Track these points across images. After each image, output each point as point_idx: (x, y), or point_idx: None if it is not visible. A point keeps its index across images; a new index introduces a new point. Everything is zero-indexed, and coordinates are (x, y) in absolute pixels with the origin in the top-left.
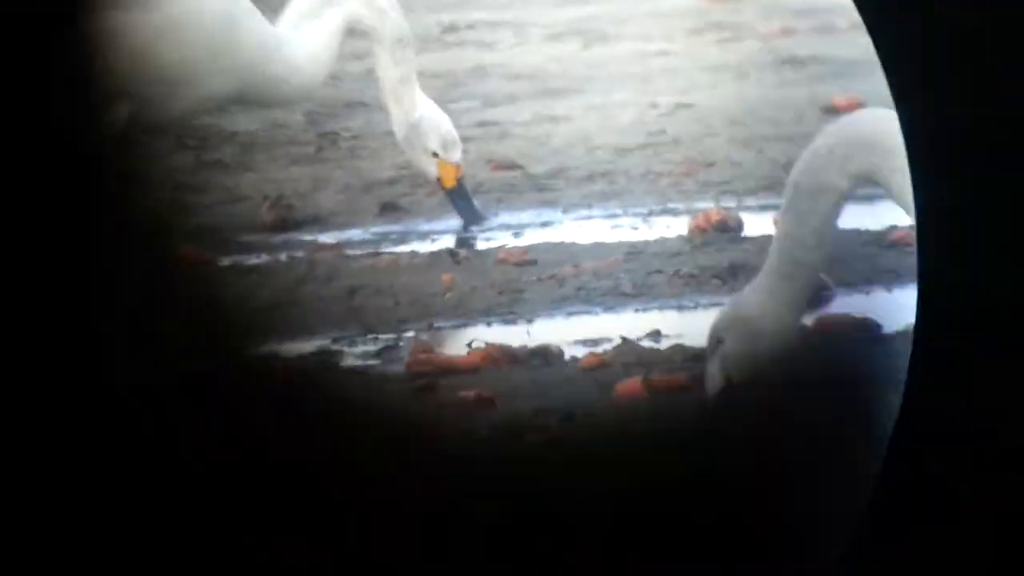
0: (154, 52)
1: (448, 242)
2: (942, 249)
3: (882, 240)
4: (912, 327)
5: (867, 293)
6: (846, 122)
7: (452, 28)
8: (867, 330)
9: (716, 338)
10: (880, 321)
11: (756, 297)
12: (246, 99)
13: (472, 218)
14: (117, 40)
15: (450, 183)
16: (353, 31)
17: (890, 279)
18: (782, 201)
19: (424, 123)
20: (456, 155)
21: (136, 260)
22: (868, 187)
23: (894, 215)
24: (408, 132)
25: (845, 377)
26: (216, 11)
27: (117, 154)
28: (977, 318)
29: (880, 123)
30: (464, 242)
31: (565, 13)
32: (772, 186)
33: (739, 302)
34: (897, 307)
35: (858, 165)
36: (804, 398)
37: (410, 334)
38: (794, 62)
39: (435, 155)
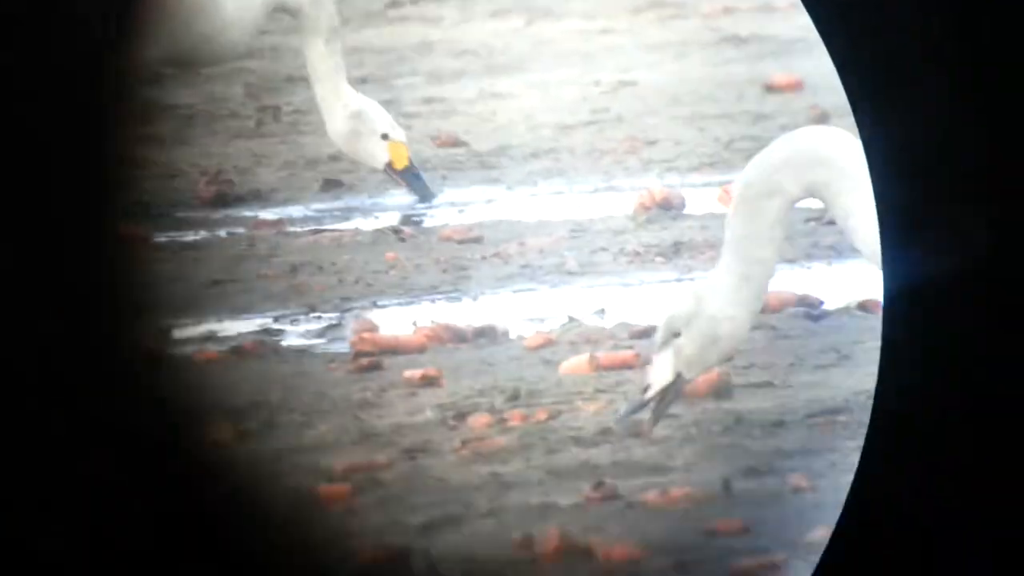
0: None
1: (391, 219)
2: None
3: (822, 217)
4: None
5: (808, 268)
6: (807, 134)
7: (396, 3)
8: (811, 306)
9: (672, 331)
10: (822, 297)
11: (717, 298)
12: (177, 61)
13: (427, 194)
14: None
15: (404, 162)
16: (286, 11)
17: (830, 255)
18: (731, 201)
19: (366, 107)
20: (402, 134)
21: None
22: (813, 200)
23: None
24: (352, 123)
25: (792, 353)
26: None
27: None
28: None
29: (838, 144)
30: (410, 219)
31: None
32: (714, 163)
33: (699, 297)
34: (838, 283)
35: (812, 178)
36: (754, 376)
37: (354, 312)
38: (735, 40)
39: (384, 137)
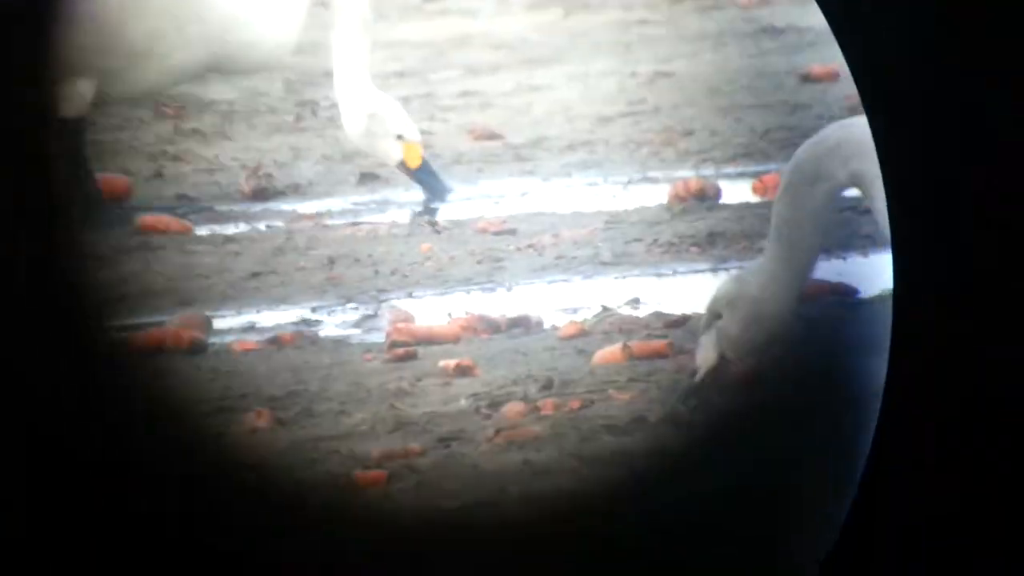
0: (121, 26)
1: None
2: (915, 221)
3: (858, 206)
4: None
5: (844, 259)
6: (856, 123)
7: None
8: (846, 295)
9: (715, 312)
10: (858, 286)
11: (759, 279)
12: (218, 68)
13: (441, 192)
14: (82, 15)
15: (417, 162)
16: (320, 2)
17: (866, 244)
18: (779, 185)
19: (385, 108)
20: (417, 134)
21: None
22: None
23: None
24: (368, 122)
25: (827, 342)
26: None
27: (90, 126)
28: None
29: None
30: (430, 212)
31: None
32: (750, 154)
33: (742, 280)
34: (874, 272)
35: (857, 166)
36: (788, 366)
37: (389, 303)
38: (772, 31)
39: (400, 138)
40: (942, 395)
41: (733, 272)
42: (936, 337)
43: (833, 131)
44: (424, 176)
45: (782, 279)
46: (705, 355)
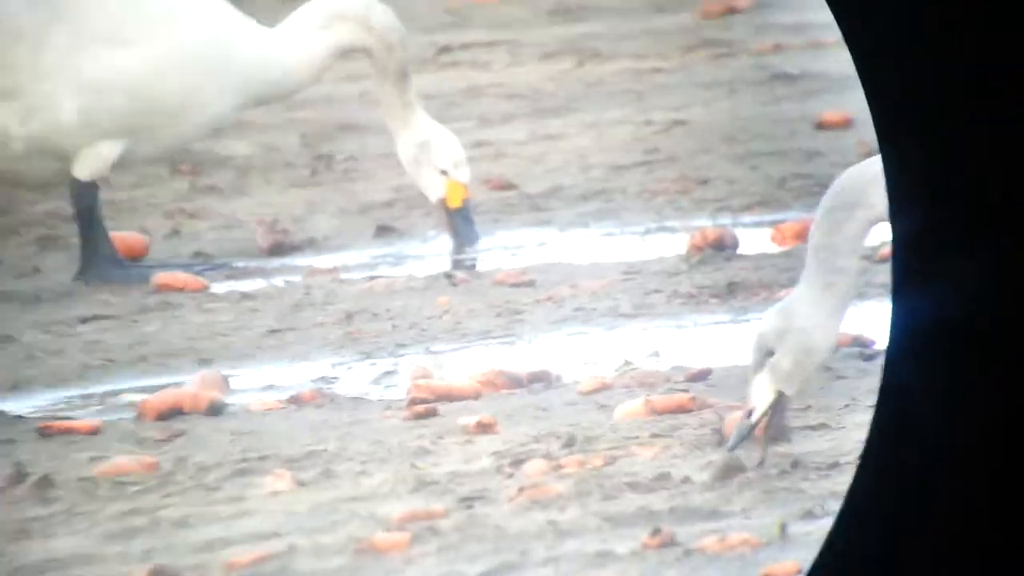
0: (155, 87)
1: (444, 264)
2: (917, 265)
3: (873, 256)
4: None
5: (858, 307)
6: None
7: (447, 49)
8: (863, 346)
9: (766, 350)
10: (873, 337)
11: (804, 309)
12: (246, 105)
13: (472, 239)
14: (110, 79)
15: (456, 203)
16: (352, 54)
17: (882, 293)
18: (818, 212)
19: (435, 141)
20: (465, 175)
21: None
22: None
23: (884, 231)
24: (416, 151)
25: (845, 395)
26: (211, 37)
27: (105, 185)
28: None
29: None
30: (462, 264)
31: (559, 31)
32: (767, 202)
33: (787, 312)
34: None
35: None
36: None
37: (408, 358)
38: (785, 78)
39: (443, 173)
40: (925, 448)
41: (774, 307)
42: (926, 390)
43: (876, 162)
44: (460, 219)
45: (826, 305)
46: (761, 394)
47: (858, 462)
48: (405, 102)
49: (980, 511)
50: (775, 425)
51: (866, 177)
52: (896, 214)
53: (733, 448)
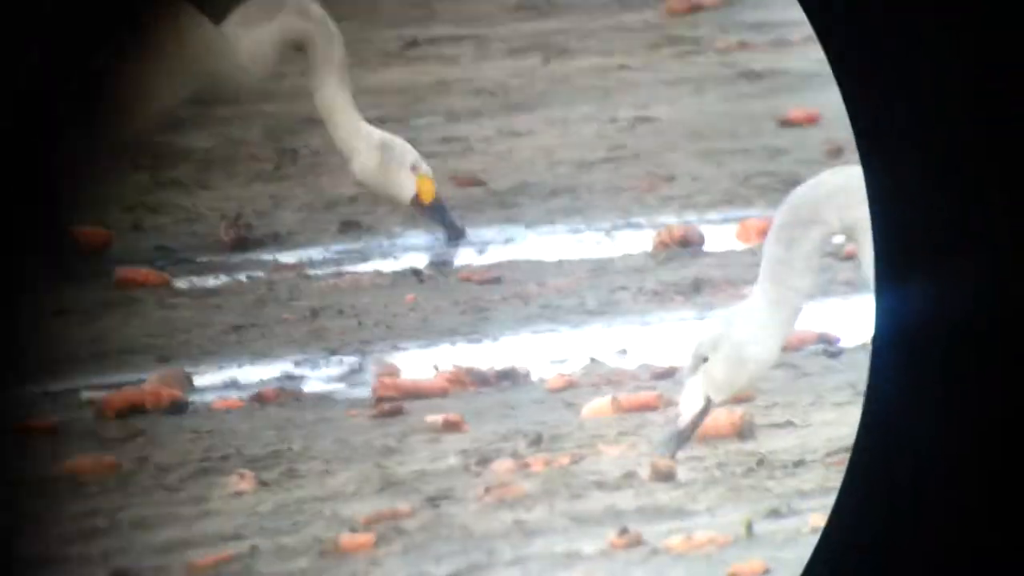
0: (106, 76)
1: (411, 260)
2: (897, 261)
3: (838, 252)
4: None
5: (823, 304)
6: (851, 171)
7: (413, 43)
8: (829, 343)
9: (701, 356)
10: (838, 334)
11: (746, 320)
12: (198, 99)
13: (456, 231)
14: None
15: (431, 196)
16: (298, 48)
17: (846, 291)
18: (772, 226)
19: (392, 140)
20: (428, 168)
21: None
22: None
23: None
24: (380, 154)
25: (810, 392)
26: (159, 28)
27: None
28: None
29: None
30: (443, 261)
31: (526, 27)
32: (732, 199)
33: (728, 321)
34: (854, 319)
35: (851, 214)
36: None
37: (374, 355)
38: (751, 75)
39: (414, 169)
40: (913, 448)
41: (718, 313)
42: (912, 388)
43: (829, 177)
44: (439, 212)
45: (769, 322)
46: (690, 399)
47: (847, 462)
48: (347, 103)
49: (971, 510)
50: (692, 429)
51: (820, 193)
52: (875, 213)
53: (666, 453)
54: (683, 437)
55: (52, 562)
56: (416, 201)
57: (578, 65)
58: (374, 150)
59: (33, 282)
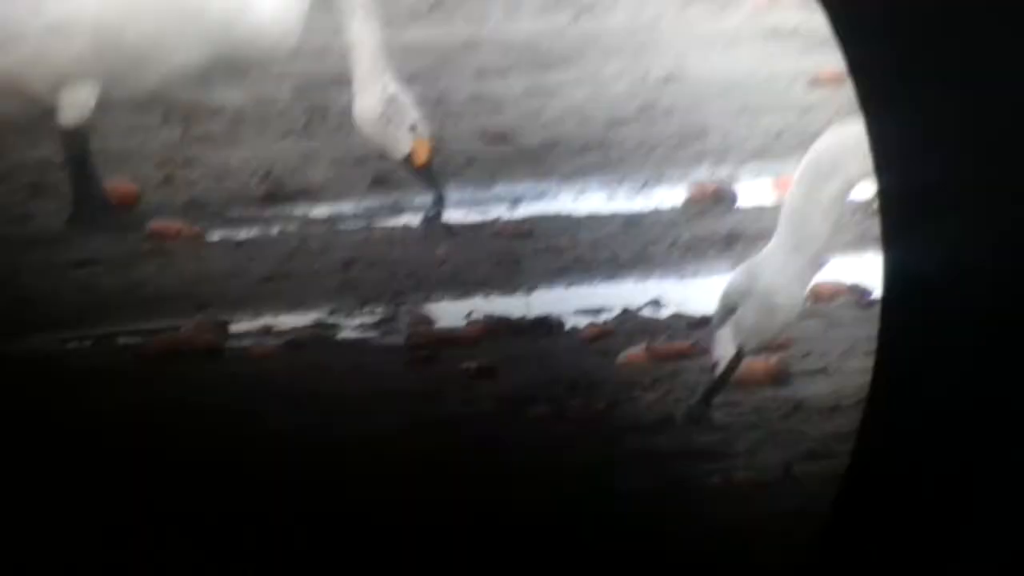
0: (120, 29)
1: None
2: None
3: (869, 207)
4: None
5: (855, 258)
6: None
7: (441, 2)
8: (859, 296)
9: (728, 306)
10: (871, 287)
11: (769, 269)
12: (219, 65)
13: (439, 199)
14: (80, 21)
15: (422, 160)
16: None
17: (878, 246)
18: (795, 175)
19: (401, 96)
20: (427, 131)
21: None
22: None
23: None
24: (384, 107)
25: (843, 342)
26: None
27: (95, 133)
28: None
29: None
30: (435, 218)
31: None
32: (763, 154)
33: (752, 272)
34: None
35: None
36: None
37: (407, 307)
38: (781, 33)
39: (412, 129)
40: (929, 399)
41: (743, 265)
42: (924, 340)
43: (852, 128)
44: (430, 175)
45: (792, 268)
46: (722, 349)
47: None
48: (380, 50)
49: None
50: (724, 380)
51: (842, 144)
52: (881, 171)
53: (701, 401)
54: (717, 386)
55: None
56: (407, 160)
57: (608, 21)
58: (382, 100)
59: (68, 234)
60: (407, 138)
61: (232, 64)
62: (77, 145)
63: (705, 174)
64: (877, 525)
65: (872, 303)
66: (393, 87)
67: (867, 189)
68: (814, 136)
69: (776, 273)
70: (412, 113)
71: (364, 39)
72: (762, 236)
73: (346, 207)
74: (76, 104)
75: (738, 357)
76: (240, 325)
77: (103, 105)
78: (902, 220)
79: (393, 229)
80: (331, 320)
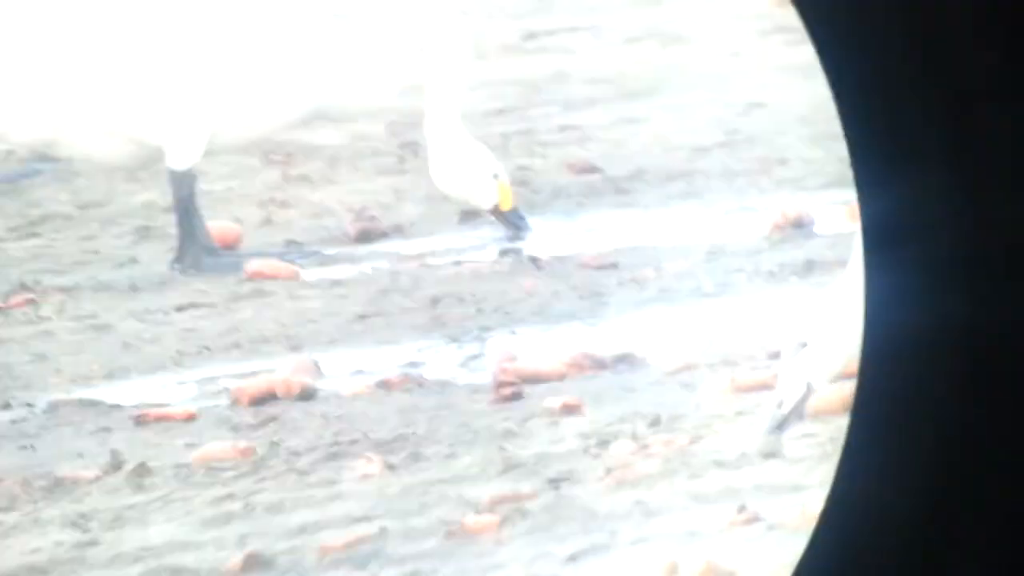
0: (234, 76)
1: (529, 249)
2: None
3: None
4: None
5: None
6: None
7: (532, 35)
8: None
9: (799, 342)
10: None
11: (839, 305)
12: (324, 113)
13: (527, 227)
14: (191, 69)
15: (509, 204)
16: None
17: None
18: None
19: (479, 149)
20: (507, 176)
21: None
22: None
23: None
24: (467, 161)
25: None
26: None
27: (201, 175)
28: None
29: None
30: (512, 251)
31: (641, 15)
32: (841, 182)
33: (823, 306)
34: None
35: None
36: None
37: (493, 341)
38: None
39: (496, 177)
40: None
41: (817, 299)
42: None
43: None
44: (514, 218)
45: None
46: (791, 385)
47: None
48: (454, 103)
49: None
50: (796, 416)
51: None
52: (863, 198)
53: (767, 438)
54: (789, 419)
55: (188, 547)
56: (496, 208)
57: (692, 52)
58: (462, 156)
59: (171, 276)
60: (492, 187)
61: (333, 111)
62: (185, 187)
63: (785, 201)
64: (958, 548)
65: None
66: (467, 141)
67: None
68: None
69: (846, 307)
70: (491, 162)
71: (444, 102)
72: (839, 262)
73: (436, 243)
74: (186, 147)
75: (806, 394)
76: (332, 365)
77: (209, 148)
78: (883, 249)
79: (481, 264)
80: (420, 358)
